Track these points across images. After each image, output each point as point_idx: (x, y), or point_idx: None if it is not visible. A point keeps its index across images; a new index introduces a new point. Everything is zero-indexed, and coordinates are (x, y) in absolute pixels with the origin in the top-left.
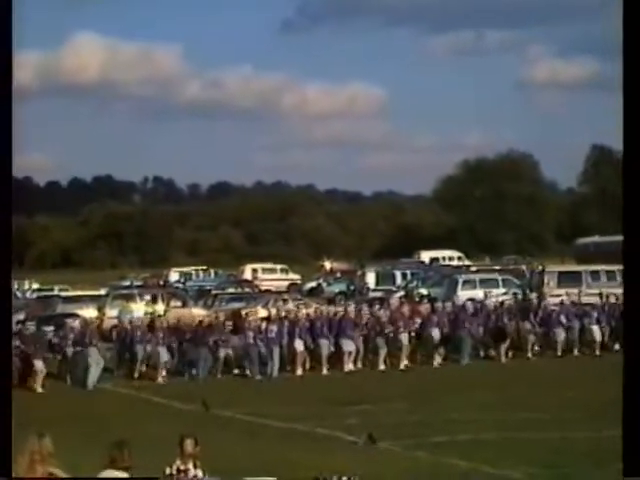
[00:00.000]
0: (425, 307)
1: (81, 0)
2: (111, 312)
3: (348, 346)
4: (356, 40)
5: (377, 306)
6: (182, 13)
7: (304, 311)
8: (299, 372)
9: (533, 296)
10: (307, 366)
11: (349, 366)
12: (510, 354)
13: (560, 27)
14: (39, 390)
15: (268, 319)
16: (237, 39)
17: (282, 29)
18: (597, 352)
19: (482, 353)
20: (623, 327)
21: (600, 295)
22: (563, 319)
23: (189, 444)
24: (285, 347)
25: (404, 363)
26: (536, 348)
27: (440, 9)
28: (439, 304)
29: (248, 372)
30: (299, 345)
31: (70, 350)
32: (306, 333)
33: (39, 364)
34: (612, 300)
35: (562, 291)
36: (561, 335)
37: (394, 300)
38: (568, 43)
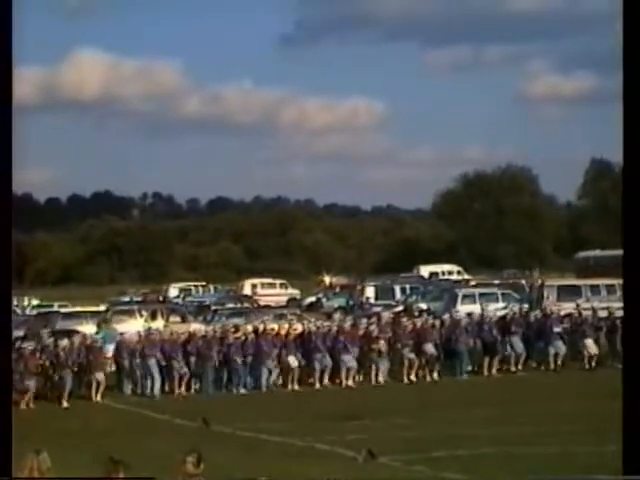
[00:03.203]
0: (421, 321)
1: (82, 16)
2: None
3: (349, 362)
4: (356, 54)
5: (372, 321)
6: (182, 29)
7: (301, 326)
8: (295, 387)
9: (532, 311)
10: (309, 381)
11: (349, 381)
12: (505, 368)
13: (559, 41)
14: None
15: (260, 334)
16: (237, 54)
17: (281, 44)
18: (590, 365)
19: (475, 367)
20: (622, 332)
21: (593, 309)
22: (559, 332)
23: (192, 462)
24: (279, 362)
25: (410, 377)
26: (534, 364)
27: (440, 23)
28: (430, 318)
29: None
30: (293, 361)
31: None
32: (302, 348)
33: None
34: (603, 315)
35: (562, 305)
36: (559, 349)
37: (385, 314)
38: (567, 57)
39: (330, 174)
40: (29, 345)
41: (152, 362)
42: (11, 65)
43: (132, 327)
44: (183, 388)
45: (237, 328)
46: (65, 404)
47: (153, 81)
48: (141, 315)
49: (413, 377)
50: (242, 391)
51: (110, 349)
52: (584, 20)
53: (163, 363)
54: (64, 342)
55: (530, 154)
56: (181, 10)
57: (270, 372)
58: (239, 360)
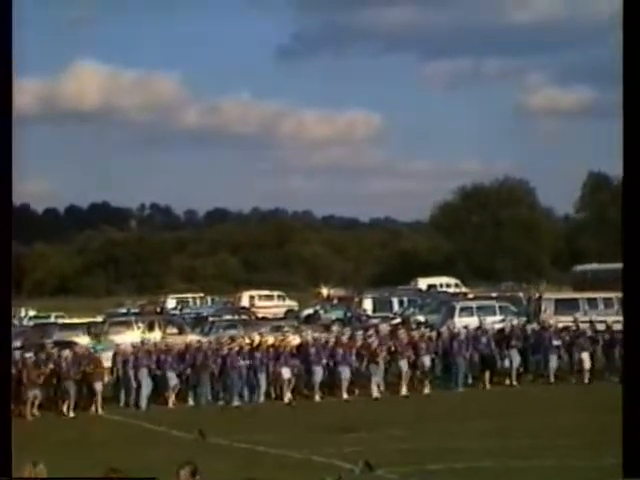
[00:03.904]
0: (418, 334)
1: (81, 27)
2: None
3: (346, 374)
4: (354, 67)
5: (370, 333)
6: (181, 40)
7: (298, 338)
8: (286, 399)
9: (529, 324)
10: (306, 393)
11: (345, 394)
12: (502, 381)
13: (558, 55)
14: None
15: (255, 346)
16: (235, 66)
17: (280, 56)
18: (588, 379)
19: (472, 380)
20: (623, 344)
21: (590, 323)
22: (557, 345)
23: (187, 474)
24: (273, 374)
25: (406, 390)
26: (530, 377)
27: (438, 36)
28: (427, 331)
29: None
30: (286, 372)
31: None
32: (299, 360)
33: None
34: (600, 328)
35: (559, 318)
36: (556, 362)
37: (383, 327)
38: (566, 71)
39: (328, 186)
40: (31, 355)
41: (143, 373)
42: (11, 75)
43: (129, 338)
44: (173, 398)
45: (232, 340)
46: (70, 414)
47: (152, 92)
48: (138, 326)
49: (407, 390)
50: (236, 403)
51: (106, 360)
52: (583, 33)
53: (156, 374)
54: (65, 352)
55: (528, 167)
56: (180, 22)
57: (264, 384)
58: (233, 372)
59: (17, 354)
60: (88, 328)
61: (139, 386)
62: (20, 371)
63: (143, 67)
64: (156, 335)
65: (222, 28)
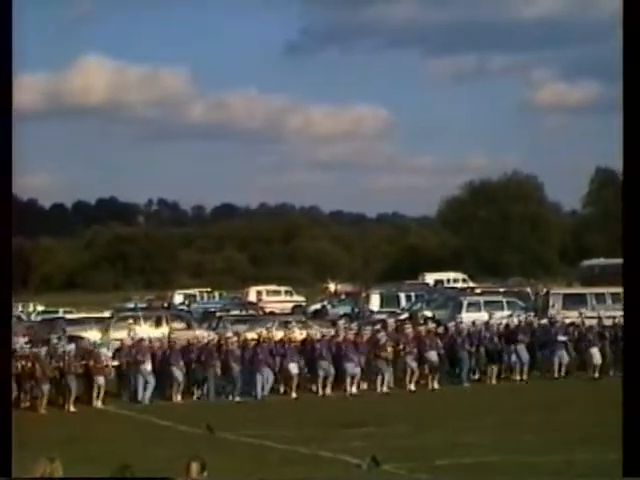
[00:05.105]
0: (425, 329)
1: (87, 22)
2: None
3: (353, 369)
4: (361, 62)
5: (378, 328)
6: (187, 36)
7: (305, 333)
8: (294, 395)
9: (536, 318)
10: (313, 388)
11: (352, 389)
12: (509, 376)
13: (564, 50)
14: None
15: (262, 341)
16: (242, 61)
17: (287, 51)
18: (595, 374)
19: (479, 375)
20: (623, 340)
21: (598, 318)
22: (564, 340)
23: (196, 468)
24: (280, 370)
25: (413, 385)
26: (538, 373)
27: (444, 31)
28: (433, 326)
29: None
30: (293, 368)
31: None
32: (306, 355)
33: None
34: (608, 323)
35: (567, 313)
36: (563, 358)
37: (390, 322)
38: (572, 66)
39: (335, 181)
40: (43, 350)
41: (144, 368)
42: (11, 66)
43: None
44: (179, 393)
45: (237, 335)
46: (71, 408)
47: (158, 87)
48: (137, 323)
49: (414, 385)
50: (238, 399)
51: (110, 355)
52: (589, 28)
53: (160, 369)
54: (69, 347)
55: (535, 162)
56: (186, 17)
57: (267, 379)
58: (237, 367)
59: (27, 349)
60: (104, 323)
61: (139, 382)
62: (33, 365)
63: (149, 63)
64: (163, 330)
65: (228, 23)
